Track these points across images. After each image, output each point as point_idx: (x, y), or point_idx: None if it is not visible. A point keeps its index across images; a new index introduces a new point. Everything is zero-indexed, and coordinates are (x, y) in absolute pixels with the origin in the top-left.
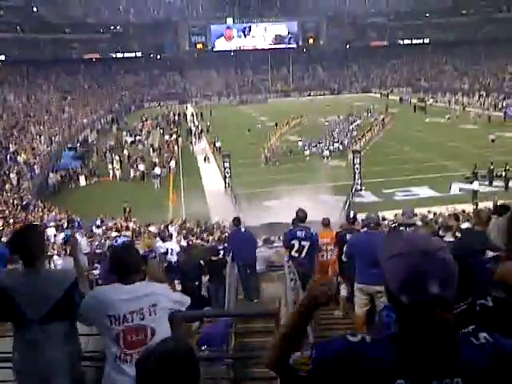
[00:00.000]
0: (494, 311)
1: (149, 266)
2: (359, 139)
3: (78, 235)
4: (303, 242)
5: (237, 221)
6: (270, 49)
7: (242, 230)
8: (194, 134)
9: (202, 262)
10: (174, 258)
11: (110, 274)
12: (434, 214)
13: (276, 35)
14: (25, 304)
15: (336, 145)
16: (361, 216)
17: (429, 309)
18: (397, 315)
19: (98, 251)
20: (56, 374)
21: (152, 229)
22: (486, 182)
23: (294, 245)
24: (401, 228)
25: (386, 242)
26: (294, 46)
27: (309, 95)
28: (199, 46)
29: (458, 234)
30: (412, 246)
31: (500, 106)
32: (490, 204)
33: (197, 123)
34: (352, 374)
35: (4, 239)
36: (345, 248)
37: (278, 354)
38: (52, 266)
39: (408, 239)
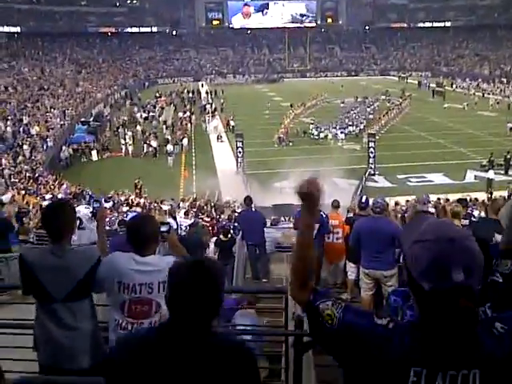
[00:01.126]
0: (504, 285)
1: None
2: (375, 123)
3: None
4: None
5: (248, 200)
6: (287, 28)
7: (253, 209)
8: (208, 113)
9: (205, 239)
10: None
11: (126, 245)
12: (447, 200)
13: (294, 14)
14: (49, 283)
15: (351, 128)
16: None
17: (451, 297)
18: (417, 302)
19: (108, 228)
20: (78, 352)
21: (164, 206)
22: (502, 171)
23: None
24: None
25: (411, 226)
26: (313, 25)
27: (326, 76)
28: (216, 22)
29: (465, 221)
30: (438, 232)
31: None
32: (504, 193)
33: (211, 101)
34: (367, 354)
35: (15, 209)
36: (350, 236)
37: (296, 277)
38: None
39: (434, 225)
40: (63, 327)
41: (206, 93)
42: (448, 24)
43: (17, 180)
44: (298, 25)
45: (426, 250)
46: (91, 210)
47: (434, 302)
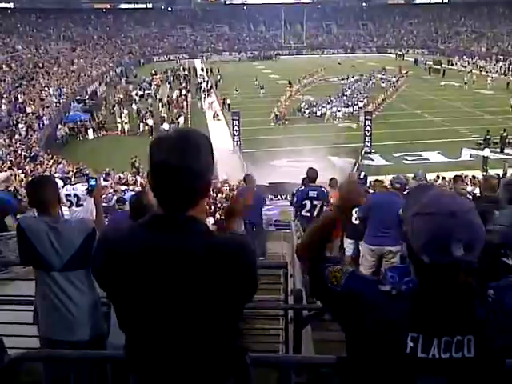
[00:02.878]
0: None
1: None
2: (372, 101)
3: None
4: (315, 202)
5: (248, 179)
6: (283, 3)
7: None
8: (204, 90)
9: None
10: None
11: (126, 221)
12: (439, 177)
13: None
14: (46, 251)
15: (349, 108)
16: (370, 179)
17: (451, 272)
18: (416, 273)
19: (105, 204)
20: (77, 323)
21: None
22: (498, 149)
23: (305, 205)
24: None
25: (412, 197)
26: (309, 1)
27: (322, 53)
28: None
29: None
30: (439, 205)
31: None
32: (499, 171)
33: (207, 79)
34: (368, 318)
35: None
36: (360, 208)
37: (309, 241)
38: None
39: (436, 198)
40: (63, 297)
41: (202, 70)
42: (446, 0)
43: (13, 159)
44: (295, 0)
45: (427, 224)
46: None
47: (433, 275)
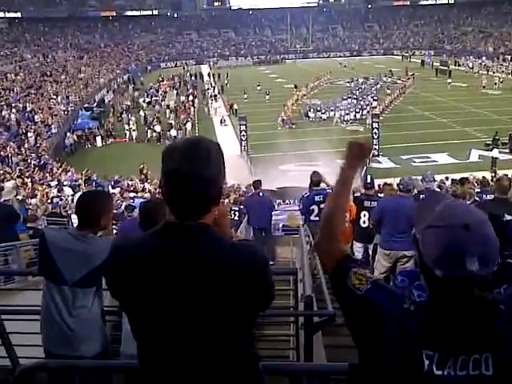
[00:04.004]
0: None
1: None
2: (379, 103)
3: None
4: (322, 206)
5: (257, 184)
6: (289, 7)
7: (260, 193)
8: (211, 96)
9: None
10: None
11: (136, 229)
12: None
13: None
14: (63, 264)
15: (357, 111)
16: (376, 182)
17: (465, 287)
18: (428, 287)
19: (114, 211)
20: (78, 338)
21: None
22: (507, 150)
23: (313, 210)
24: (421, 195)
25: (423, 208)
26: (315, 4)
27: (328, 57)
28: (217, 3)
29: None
30: (451, 217)
31: None
32: (509, 172)
33: (213, 84)
34: (384, 331)
35: (20, 197)
36: (374, 210)
37: (327, 228)
38: (70, 225)
39: (448, 209)
40: (64, 312)
41: (209, 76)
42: (452, 1)
43: (23, 168)
44: (300, 4)
45: (439, 237)
46: None
47: (446, 289)
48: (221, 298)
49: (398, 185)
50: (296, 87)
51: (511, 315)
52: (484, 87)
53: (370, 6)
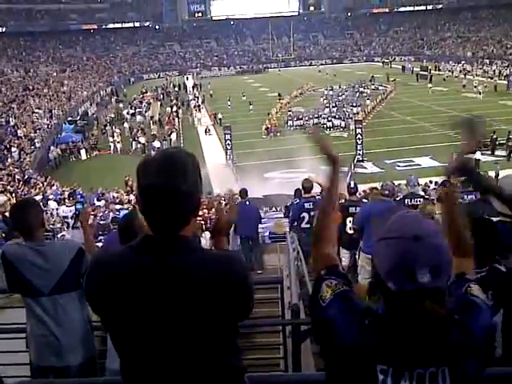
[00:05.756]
0: (508, 277)
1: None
2: (362, 109)
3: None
4: (312, 213)
5: (244, 193)
6: (270, 17)
7: (247, 202)
8: (195, 106)
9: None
10: None
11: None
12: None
13: (276, 3)
14: (33, 277)
15: (338, 120)
16: (361, 187)
17: (417, 299)
18: (384, 301)
19: (101, 223)
20: (66, 348)
21: None
22: (489, 152)
23: (304, 217)
24: (406, 200)
25: (379, 221)
26: (295, 13)
27: (310, 65)
28: (198, 14)
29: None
30: (402, 229)
31: (504, 74)
32: (491, 173)
33: (197, 94)
34: (338, 345)
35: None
36: (356, 216)
37: (321, 234)
38: (57, 239)
39: (398, 221)
40: (50, 323)
41: (192, 86)
42: (429, 7)
43: (6, 183)
44: (281, 13)
45: (390, 249)
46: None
47: (399, 303)
48: (202, 309)
49: (380, 189)
50: (280, 96)
51: (465, 324)
52: (464, 91)
53: (349, 14)
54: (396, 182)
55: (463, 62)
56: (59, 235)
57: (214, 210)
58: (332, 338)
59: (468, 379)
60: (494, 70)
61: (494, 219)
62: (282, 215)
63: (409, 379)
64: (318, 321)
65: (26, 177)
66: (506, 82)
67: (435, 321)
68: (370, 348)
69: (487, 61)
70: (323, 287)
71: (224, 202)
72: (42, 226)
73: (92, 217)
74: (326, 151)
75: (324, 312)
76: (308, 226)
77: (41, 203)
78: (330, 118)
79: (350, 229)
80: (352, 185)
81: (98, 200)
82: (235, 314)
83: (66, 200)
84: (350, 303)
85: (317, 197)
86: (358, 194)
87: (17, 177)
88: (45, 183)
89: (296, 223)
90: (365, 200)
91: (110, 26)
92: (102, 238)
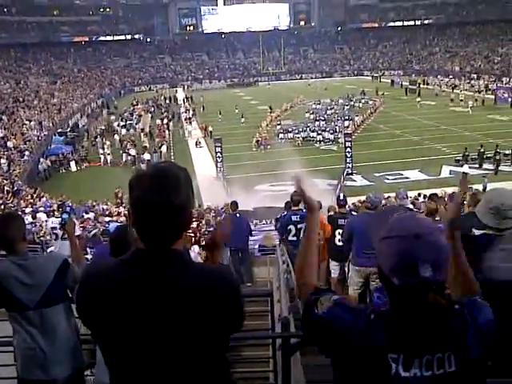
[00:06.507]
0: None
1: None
2: (352, 123)
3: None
4: (299, 225)
5: (234, 205)
6: (261, 31)
7: (237, 215)
8: (185, 119)
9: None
10: None
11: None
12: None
13: (267, 17)
14: (19, 291)
15: (327, 133)
16: (351, 199)
17: (420, 292)
18: (388, 295)
19: (90, 235)
20: (54, 361)
21: None
22: (476, 165)
23: (290, 230)
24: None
25: (379, 221)
26: (286, 28)
27: (300, 78)
28: (189, 28)
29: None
30: (403, 228)
31: (491, 89)
32: (479, 186)
33: (188, 107)
34: (348, 344)
35: None
36: (344, 229)
37: (301, 265)
38: (47, 251)
39: (400, 221)
40: (37, 336)
41: (183, 99)
42: (418, 22)
43: None
44: (272, 28)
45: (393, 247)
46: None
47: (404, 296)
48: (192, 323)
49: (365, 201)
50: (271, 109)
51: (473, 317)
52: (452, 105)
53: (339, 29)
54: (385, 195)
55: (451, 77)
56: (48, 250)
57: (204, 222)
58: (340, 338)
59: (472, 364)
60: (481, 85)
61: (478, 232)
62: (273, 227)
63: (419, 365)
64: (318, 331)
65: (15, 188)
66: (493, 97)
67: (437, 310)
68: (380, 339)
69: (475, 75)
70: (317, 304)
71: (213, 214)
72: (24, 239)
73: (81, 229)
74: (305, 200)
75: (325, 318)
76: (295, 238)
77: (30, 215)
78: (319, 132)
79: (339, 241)
80: (341, 197)
81: (87, 212)
82: (226, 327)
83: (55, 212)
84: (349, 306)
85: (304, 210)
86: (347, 206)
87: (6, 188)
88: (34, 195)
89: (283, 236)
90: (354, 213)
91: (102, 38)
92: (90, 250)
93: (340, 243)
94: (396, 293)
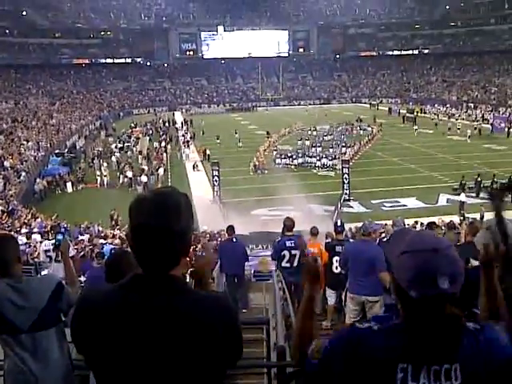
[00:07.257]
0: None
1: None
2: (351, 149)
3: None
4: (293, 251)
5: (231, 230)
6: (260, 57)
7: (234, 240)
8: (183, 142)
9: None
10: None
11: (102, 278)
12: (417, 222)
13: (267, 44)
14: (12, 314)
15: (325, 159)
16: (348, 226)
17: (438, 304)
18: (403, 309)
19: (83, 258)
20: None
21: None
22: (473, 194)
23: (284, 255)
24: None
25: (395, 239)
26: (285, 54)
27: (299, 104)
28: (189, 53)
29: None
30: (422, 243)
31: (488, 118)
32: (476, 215)
33: (186, 130)
34: (357, 360)
35: None
36: (340, 256)
37: (297, 339)
38: (41, 273)
39: (417, 237)
40: (28, 360)
41: (182, 123)
42: (416, 52)
43: None
44: (271, 54)
45: (413, 261)
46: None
47: (421, 308)
48: (190, 351)
49: (359, 229)
50: (268, 134)
51: (482, 336)
52: (449, 133)
53: (338, 56)
54: (382, 222)
55: (448, 106)
56: (42, 272)
57: (200, 246)
58: (347, 362)
59: (478, 378)
60: (478, 114)
61: (476, 262)
62: (269, 253)
63: (427, 375)
64: (328, 364)
65: (10, 208)
66: (489, 126)
67: (452, 322)
68: (392, 350)
69: (472, 105)
70: (311, 352)
71: (207, 238)
72: (19, 261)
73: (75, 251)
74: (311, 281)
75: (329, 350)
76: (288, 265)
77: (25, 236)
78: (318, 158)
79: (336, 268)
80: (339, 223)
81: (81, 234)
82: (223, 358)
83: (50, 234)
84: (340, 329)
85: (298, 235)
86: (344, 233)
87: (1, 208)
88: (29, 215)
89: (277, 261)
90: (351, 240)
91: (102, 61)
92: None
93: (337, 270)
94: (412, 306)
